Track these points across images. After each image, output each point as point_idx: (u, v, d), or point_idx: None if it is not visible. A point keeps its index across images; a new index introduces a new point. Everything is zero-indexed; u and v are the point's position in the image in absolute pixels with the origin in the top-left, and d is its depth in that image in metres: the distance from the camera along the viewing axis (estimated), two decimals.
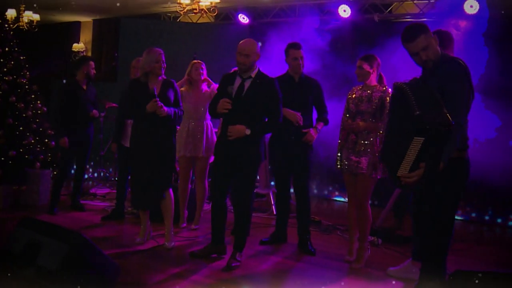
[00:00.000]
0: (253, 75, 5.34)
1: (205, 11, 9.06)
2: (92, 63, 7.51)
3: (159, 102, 5.57)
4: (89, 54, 13.12)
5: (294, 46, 6.01)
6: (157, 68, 5.73)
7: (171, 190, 5.94)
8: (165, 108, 5.61)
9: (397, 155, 3.83)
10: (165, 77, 5.89)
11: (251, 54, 5.28)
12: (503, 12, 7.49)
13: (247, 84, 5.32)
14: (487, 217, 8.11)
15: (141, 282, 4.79)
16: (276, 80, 5.44)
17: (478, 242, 7.01)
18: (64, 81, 9.86)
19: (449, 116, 3.54)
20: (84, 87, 7.42)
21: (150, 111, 5.58)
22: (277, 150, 6.10)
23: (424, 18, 8.71)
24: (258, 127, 5.25)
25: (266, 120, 5.38)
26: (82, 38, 13.54)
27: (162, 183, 5.80)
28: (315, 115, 6.15)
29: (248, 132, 5.17)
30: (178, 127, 6.52)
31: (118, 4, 10.45)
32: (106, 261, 4.32)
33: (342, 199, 9.51)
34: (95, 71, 7.55)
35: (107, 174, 10.48)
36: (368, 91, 5.48)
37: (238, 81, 5.36)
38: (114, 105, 8.74)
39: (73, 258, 3.97)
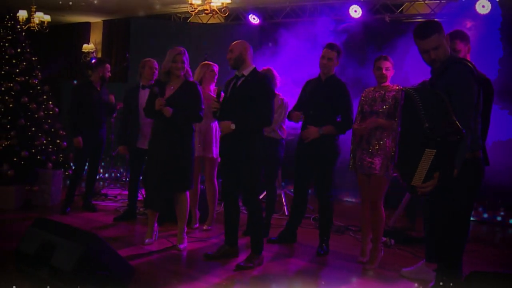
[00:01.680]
0: (246, 73, 5.37)
1: (216, 11, 9.07)
2: (108, 66, 7.58)
3: (161, 101, 5.54)
4: (99, 54, 13.17)
5: (327, 45, 5.96)
6: (173, 68, 5.66)
7: (188, 193, 5.91)
8: (170, 109, 5.54)
9: (410, 163, 3.84)
10: (190, 79, 5.81)
11: (235, 49, 5.37)
12: None
13: (239, 82, 5.38)
14: (499, 218, 8.07)
15: (154, 283, 4.79)
16: (268, 78, 5.47)
17: (491, 243, 6.97)
18: (75, 81, 9.88)
19: (458, 125, 3.54)
20: (98, 88, 7.46)
21: (157, 108, 5.56)
22: (299, 154, 6.06)
23: (435, 18, 8.68)
24: (243, 121, 5.24)
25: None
26: (92, 38, 13.59)
27: (174, 184, 5.74)
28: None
29: (233, 126, 5.19)
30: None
31: (127, 4, 10.47)
32: (121, 262, 4.32)
33: (353, 200, 9.48)
34: (110, 74, 7.58)
35: (118, 175, 10.50)
36: (382, 91, 5.47)
37: (233, 81, 5.46)
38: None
39: (88, 259, 3.96)
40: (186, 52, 5.76)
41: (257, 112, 5.26)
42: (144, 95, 6.48)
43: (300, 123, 6.06)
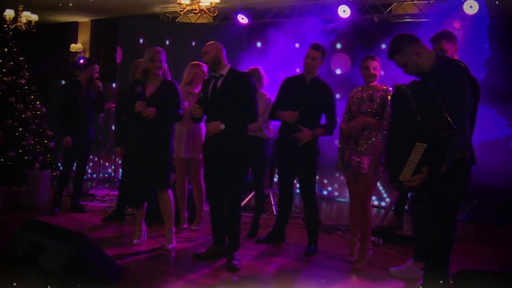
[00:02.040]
0: (224, 73, 5.39)
1: (205, 11, 9.06)
2: (97, 67, 7.55)
3: (141, 104, 5.54)
4: (87, 54, 13.10)
5: (311, 45, 5.97)
6: (151, 67, 5.68)
7: (170, 191, 5.94)
8: (153, 109, 5.54)
9: (399, 159, 3.86)
10: (168, 78, 5.84)
11: (210, 51, 5.39)
12: (502, 12, 7.50)
13: (219, 82, 5.38)
14: (486, 217, 8.11)
15: (142, 283, 4.78)
16: (250, 75, 5.51)
17: (478, 242, 7.00)
18: (63, 81, 9.84)
19: (450, 121, 3.56)
20: (85, 87, 7.42)
21: (137, 110, 5.57)
22: (281, 152, 6.08)
23: (423, 18, 8.74)
24: (232, 120, 5.25)
25: (241, 115, 5.37)
26: (80, 38, 13.51)
27: (155, 182, 5.80)
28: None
29: (222, 126, 5.20)
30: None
31: (115, 3, 10.42)
32: (109, 262, 4.32)
33: (341, 200, 9.51)
34: (98, 75, 7.55)
35: (106, 175, 10.46)
36: (369, 91, 5.49)
37: (212, 82, 5.45)
38: (113, 105, 8.73)
39: (77, 260, 3.96)
40: (163, 51, 5.78)
41: (243, 109, 5.29)
42: None
43: (279, 122, 6.10)
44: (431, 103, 3.68)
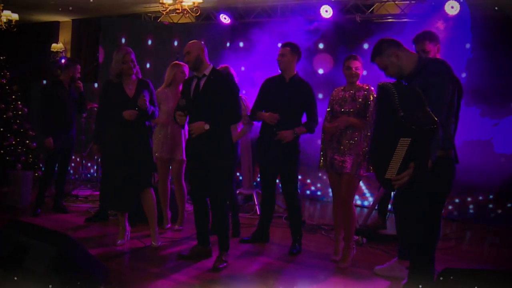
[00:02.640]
0: (207, 73, 5.37)
1: (187, 11, 9.03)
2: (79, 67, 7.50)
3: (142, 100, 5.61)
4: (69, 54, 13.02)
5: (282, 43, 6.02)
6: (125, 69, 5.72)
7: (152, 190, 5.94)
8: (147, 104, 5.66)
9: (384, 156, 3.86)
10: (140, 77, 5.89)
11: (192, 50, 5.37)
12: (484, 12, 7.57)
13: (202, 82, 5.37)
14: (468, 216, 8.20)
15: (126, 283, 4.77)
16: (231, 75, 5.54)
17: (461, 241, 7.07)
18: (45, 81, 9.76)
19: (432, 115, 3.58)
20: (68, 87, 7.36)
21: (127, 119, 5.59)
22: (262, 151, 6.09)
23: (405, 18, 8.78)
24: (216, 120, 5.24)
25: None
26: (61, 38, 13.41)
27: (137, 184, 5.81)
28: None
29: (207, 127, 5.19)
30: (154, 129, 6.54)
31: (97, 3, 10.36)
32: (95, 263, 4.29)
33: (324, 199, 9.54)
34: (80, 75, 7.50)
35: (89, 175, 10.40)
36: (351, 91, 5.51)
37: (194, 82, 5.43)
38: (95, 105, 8.68)
39: (62, 260, 3.93)
40: (132, 51, 5.82)
41: (226, 109, 5.28)
42: None
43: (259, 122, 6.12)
44: (413, 98, 3.71)
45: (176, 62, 6.81)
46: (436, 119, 3.57)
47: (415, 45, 5.06)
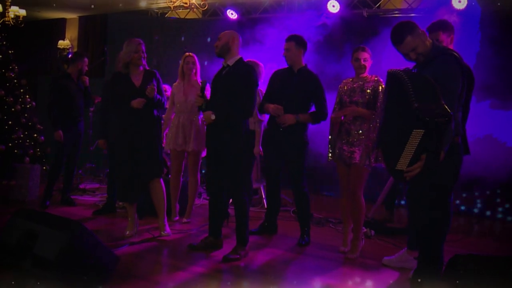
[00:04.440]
0: (230, 63, 5.35)
1: (195, 6, 9.04)
2: (86, 60, 7.53)
3: (151, 89, 5.64)
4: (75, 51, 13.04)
5: (286, 38, 6.02)
6: (136, 58, 5.73)
7: (162, 181, 5.94)
8: (155, 93, 5.69)
9: (395, 147, 3.85)
10: (147, 68, 5.91)
11: (223, 37, 5.36)
12: (493, 8, 7.56)
13: (224, 72, 5.37)
14: (475, 210, 8.18)
15: (137, 274, 4.76)
16: (253, 69, 5.40)
17: (469, 234, 7.06)
18: (52, 76, 9.77)
19: (447, 107, 3.57)
20: (76, 80, 7.38)
21: (136, 107, 5.60)
22: (269, 142, 6.09)
23: (412, 13, 8.76)
24: (223, 113, 5.21)
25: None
26: (68, 35, 13.44)
27: (147, 175, 5.82)
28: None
29: (213, 117, 5.19)
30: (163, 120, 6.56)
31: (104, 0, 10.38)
32: (105, 251, 4.29)
33: (331, 194, 9.51)
34: (87, 68, 7.52)
35: (97, 168, 10.41)
36: (360, 82, 5.51)
37: (223, 70, 5.43)
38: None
39: (72, 247, 3.93)
40: (143, 42, 5.87)
41: (238, 103, 5.22)
42: None
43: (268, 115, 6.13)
44: (428, 89, 3.69)
45: (187, 53, 6.82)
46: (450, 111, 3.56)
47: (429, 34, 5.03)
